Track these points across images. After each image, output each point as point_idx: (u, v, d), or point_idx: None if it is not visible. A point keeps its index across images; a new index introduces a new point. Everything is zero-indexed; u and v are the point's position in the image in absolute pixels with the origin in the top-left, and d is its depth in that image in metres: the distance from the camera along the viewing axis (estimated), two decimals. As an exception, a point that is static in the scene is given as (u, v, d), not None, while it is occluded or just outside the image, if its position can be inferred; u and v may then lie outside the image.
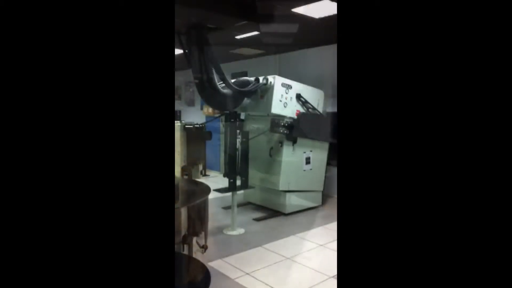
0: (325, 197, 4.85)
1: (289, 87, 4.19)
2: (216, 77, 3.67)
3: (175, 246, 2.70)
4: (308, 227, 3.97)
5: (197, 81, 3.70)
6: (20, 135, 0.66)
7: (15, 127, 0.66)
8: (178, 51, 5.76)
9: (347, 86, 0.77)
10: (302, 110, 4.31)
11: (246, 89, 3.97)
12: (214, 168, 7.12)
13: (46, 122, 0.68)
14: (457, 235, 0.71)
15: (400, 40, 0.72)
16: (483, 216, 0.69)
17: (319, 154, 4.56)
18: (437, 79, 0.72)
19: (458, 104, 0.71)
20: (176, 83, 8.93)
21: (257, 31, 4.36)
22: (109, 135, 0.72)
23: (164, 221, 0.74)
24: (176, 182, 2.25)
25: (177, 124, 2.51)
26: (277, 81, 4.08)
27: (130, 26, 0.73)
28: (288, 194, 4.35)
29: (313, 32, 4.49)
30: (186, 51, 3.76)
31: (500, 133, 0.69)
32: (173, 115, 0.77)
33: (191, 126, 2.42)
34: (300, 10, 3.58)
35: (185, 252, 2.67)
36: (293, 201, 4.42)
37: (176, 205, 1.95)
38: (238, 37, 4.68)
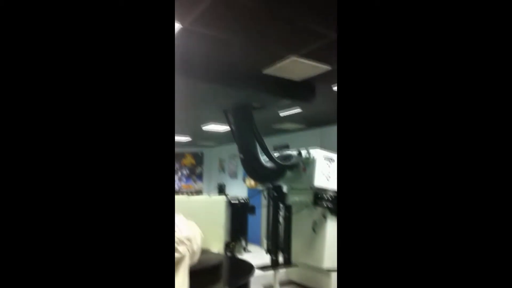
0: (374, 278, 4.47)
1: (331, 160, 4.20)
2: (259, 151, 3.80)
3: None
4: (357, 312, 3.61)
5: (242, 156, 3.84)
6: (20, 138, 0.67)
7: (15, 128, 0.67)
8: (225, 127, 6.10)
9: (347, 87, 0.77)
10: (346, 184, 4.23)
11: (289, 163, 4.03)
12: (255, 241, 6.93)
13: (44, 123, 0.69)
14: (458, 236, 0.68)
15: (400, 40, 0.72)
16: (485, 220, 0.67)
17: (365, 230, 4.33)
18: (438, 78, 0.71)
19: (458, 105, 0.69)
20: (221, 156, 9.26)
21: (300, 108, 4.55)
22: (108, 140, 0.71)
23: (164, 229, 0.73)
24: (220, 260, 2.23)
25: (223, 198, 2.57)
26: (319, 154, 4.12)
27: (130, 27, 0.73)
28: (334, 273, 4.08)
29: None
30: (232, 127, 3.99)
31: (500, 134, 0.67)
32: (173, 119, 0.80)
33: (237, 202, 2.46)
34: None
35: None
36: (339, 282, 4.11)
37: (220, 286, 1.91)
38: (281, 114, 4.90)
